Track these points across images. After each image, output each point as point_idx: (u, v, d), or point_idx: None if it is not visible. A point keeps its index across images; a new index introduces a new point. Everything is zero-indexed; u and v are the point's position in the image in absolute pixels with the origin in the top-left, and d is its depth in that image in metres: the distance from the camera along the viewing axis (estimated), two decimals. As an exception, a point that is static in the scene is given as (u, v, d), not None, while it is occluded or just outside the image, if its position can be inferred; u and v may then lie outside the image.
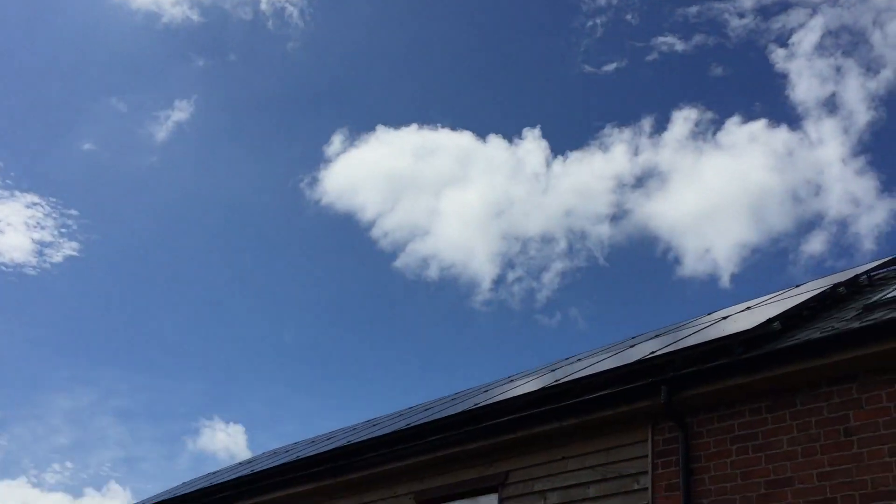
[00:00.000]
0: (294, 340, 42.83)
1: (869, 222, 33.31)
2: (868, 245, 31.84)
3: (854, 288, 9.20)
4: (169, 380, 42.87)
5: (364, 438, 10.94)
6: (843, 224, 34.05)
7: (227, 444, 42.04)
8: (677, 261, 38.42)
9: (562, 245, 38.05)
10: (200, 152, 43.27)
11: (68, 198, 42.01)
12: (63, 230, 39.21)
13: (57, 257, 38.29)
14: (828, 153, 33.88)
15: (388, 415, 15.40)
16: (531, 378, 11.04)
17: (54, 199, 39.21)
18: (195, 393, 43.09)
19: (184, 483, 18.06)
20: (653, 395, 7.13)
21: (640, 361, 7.97)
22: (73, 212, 40.25)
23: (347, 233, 42.13)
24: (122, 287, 43.12)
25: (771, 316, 7.52)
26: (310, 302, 43.16)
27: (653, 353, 8.15)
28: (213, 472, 18.24)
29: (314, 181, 43.59)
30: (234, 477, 13.24)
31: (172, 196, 43.25)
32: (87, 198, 42.56)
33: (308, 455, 11.80)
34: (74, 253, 39.01)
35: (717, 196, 36.06)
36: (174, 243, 42.99)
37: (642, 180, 37.23)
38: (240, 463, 18.71)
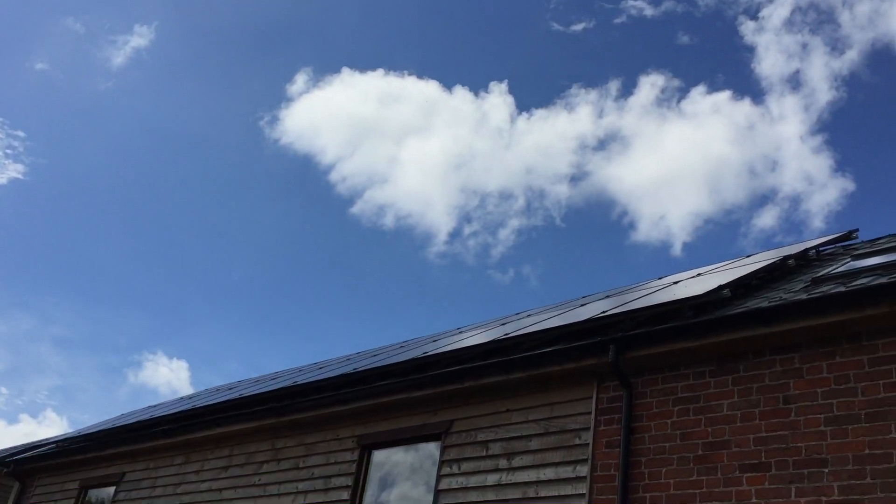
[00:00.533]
0: (243, 279, 42.51)
1: (820, 200, 34.07)
2: (817, 223, 32.60)
3: (803, 261, 9.37)
4: (112, 311, 42.31)
5: (310, 380, 10.91)
6: (795, 200, 34.76)
7: (169, 379, 41.82)
8: (632, 226, 38.92)
9: (520, 202, 38.19)
10: (158, 81, 42.16)
11: (16, 118, 40.74)
12: (8, 151, 38.03)
13: (1, 179, 37.17)
14: (787, 129, 34.43)
15: (335, 358, 15.40)
16: (481, 331, 11.09)
17: (1, 119, 37.95)
18: (139, 326, 42.64)
19: (122, 414, 17.90)
20: (600, 354, 7.20)
21: (589, 320, 8.04)
22: (20, 133, 39.05)
23: (305, 175, 41.69)
24: (67, 213, 42.17)
25: (721, 283, 7.62)
26: (262, 242, 42.80)
27: (603, 312, 8.22)
28: (154, 406, 18.10)
29: (274, 120, 42.91)
30: (175, 411, 13.14)
31: (126, 124, 42.19)
32: (36, 119, 41.30)
33: (252, 393, 11.74)
34: (19, 175, 37.93)
35: (677, 164, 36.50)
36: (125, 172, 42.05)
37: (604, 143, 37.43)
38: (181, 398, 18.59)
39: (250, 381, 16.38)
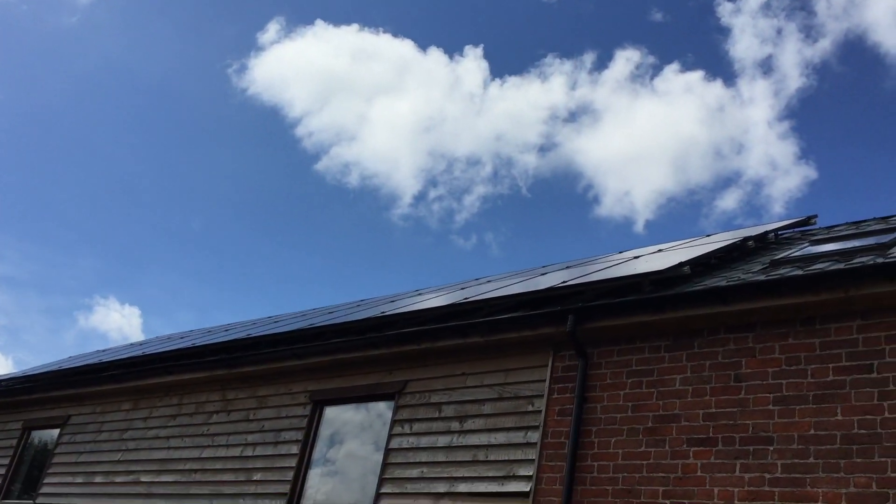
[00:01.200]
0: (202, 228, 41.93)
1: (782, 186, 34.59)
2: (777, 208, 33.13)
3: (762, 244, 9.49)
4: (63, 253, 41.47)
5: (263, 333, 10.82)
6: (758, 185, 35.24)
7: (120, 325, 41.27)
8: (596, 200, 39.15)
9: (487, 169, 38.12)
10: (126, 20, 40.98)
11: (-29, 48, 39.32)
12: (-38, 82, 36.75)
13: (-47, 110, 35.99)
14: (755, 113, 34.77)
15: (290, 313, 15.29)
16: (440, 294, 11.08)
17: (-45, 48, 36.60)
18: (91, 270, 41.89)
19: (70, 357, 17.63)
20: (558, 323, 7.23)
21: (549, 289, 8.06)
22: (-25, 64, 37.74)
23: (271, 127, 41.05)
24: (22, 151, 41.03)
25: (682, 260, 7.68)
26: (222, 192, 42.16)
27: (563, 282, 8.25)
28: (103, 350, 17.85)
29: (243, 68, 42.06)
30: (125, 356, 12.96)
31: (90, 62, 41.00)
32: (-8, 51, 39.89)
33: (204, 343, 11.62)
34: (-28, 108, 36.72)
35: (645, 141, 36.70)
36: (85, 112, 40.96)
37: (575, 115, 37.42)
38: (131, 344, 18.36)
39: (203, 331, 16.21)
